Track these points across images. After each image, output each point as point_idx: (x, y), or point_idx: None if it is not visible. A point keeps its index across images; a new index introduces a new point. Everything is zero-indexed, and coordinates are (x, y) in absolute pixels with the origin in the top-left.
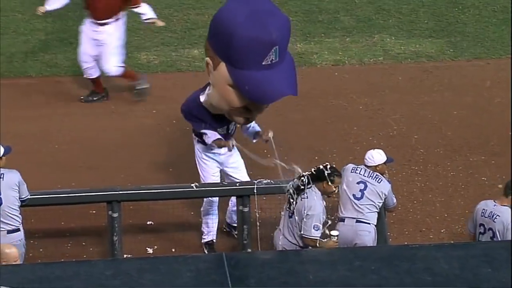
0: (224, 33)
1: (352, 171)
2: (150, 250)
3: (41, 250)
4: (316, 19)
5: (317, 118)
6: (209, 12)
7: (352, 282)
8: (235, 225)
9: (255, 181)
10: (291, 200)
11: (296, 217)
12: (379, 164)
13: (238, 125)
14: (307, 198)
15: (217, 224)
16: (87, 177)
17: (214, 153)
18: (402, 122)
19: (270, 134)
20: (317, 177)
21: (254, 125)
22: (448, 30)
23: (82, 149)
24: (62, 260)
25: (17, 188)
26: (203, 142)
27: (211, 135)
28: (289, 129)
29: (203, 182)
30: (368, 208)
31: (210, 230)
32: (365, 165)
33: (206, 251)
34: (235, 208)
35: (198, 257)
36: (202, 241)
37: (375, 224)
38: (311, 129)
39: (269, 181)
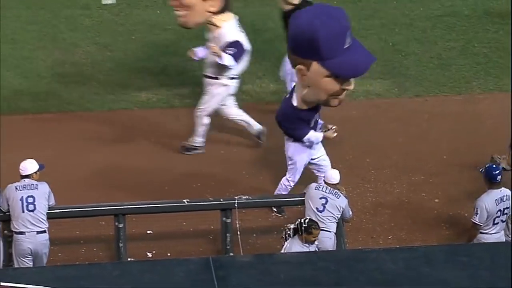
0: (310, 40)
1: (316, 188)
2: (149, 255)
3: (59, 254)
4: None
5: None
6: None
7: (317, 280)
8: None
9: (236, 197)
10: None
11: None
12: (337, 183)
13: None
14: (288, 245)
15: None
16: (96, 195)
17: (307, 147)
18: (356, 148)
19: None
20: (298, 231)
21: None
22: (393, 73)
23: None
24: (77, 263)
25: (48, 197)
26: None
27: (313, 135)
28: (265, 154)
29: (296, 172)
30: (328, 219)
31: None
32: (326, 183)
33: None
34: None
35: (189, 260)
36: None
37: (335, 232)
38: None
39: (248, 197)
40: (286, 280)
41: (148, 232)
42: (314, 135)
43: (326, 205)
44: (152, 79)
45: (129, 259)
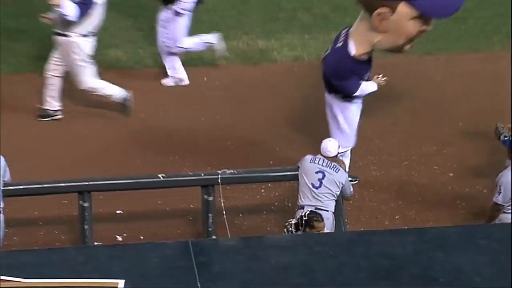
0: None
1: (311, 161)
2: (119, 238)
3: (15, 238)
4: (276, 17)
5: (279, 108)
6: None
7: (312, 266)
8: None
9: (219, 171)
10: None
11: None
12: (336, 155)
13: None
14: None
15: None
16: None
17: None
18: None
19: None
20: (300, 225)
21: None
22: None
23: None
24: (36, 247)
25: (3, 172)
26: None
27: (365, 86)
28: (255, 118)
29: (352, 135)
30: (326, 196)
31: None
32: (323, 155)
33: None
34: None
35: (165, 245)
36: None
37: (333, 211)
38: (276, 117)
39: (233, 171)
40: (277, 267)
41: (118, 212)
42: (366, 86)
43: (323, 181)
44: (122, 35)
45: (95, 243)
